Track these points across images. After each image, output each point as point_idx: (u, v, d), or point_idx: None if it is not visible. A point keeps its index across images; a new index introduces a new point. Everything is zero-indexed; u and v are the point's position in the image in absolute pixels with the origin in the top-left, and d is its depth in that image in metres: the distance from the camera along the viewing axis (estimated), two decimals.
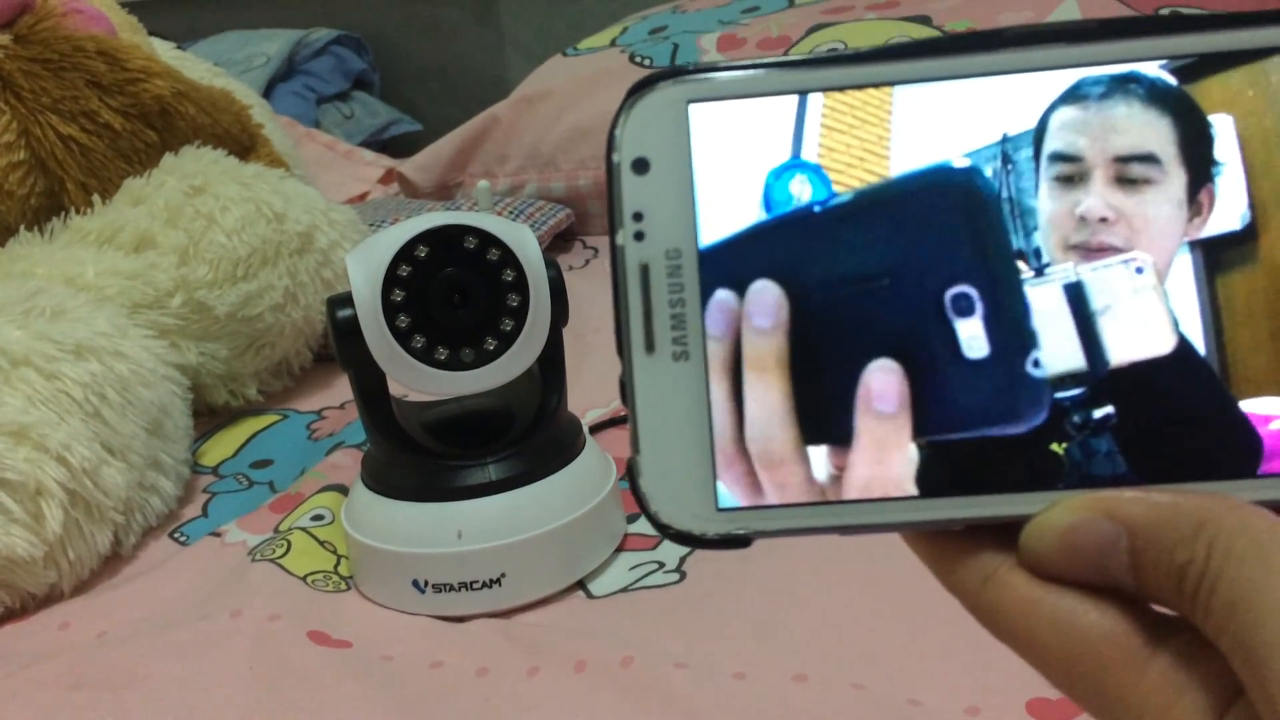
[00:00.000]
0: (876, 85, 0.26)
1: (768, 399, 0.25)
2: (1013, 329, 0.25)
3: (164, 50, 1.02)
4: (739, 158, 0.26)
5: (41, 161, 0.78)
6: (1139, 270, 0.25)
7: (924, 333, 0.25)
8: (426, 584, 0.52)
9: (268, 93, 1.72)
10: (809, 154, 0.26)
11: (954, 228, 0.25)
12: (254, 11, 2.01)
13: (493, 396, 0.57)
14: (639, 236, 0.26)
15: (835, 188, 0.26)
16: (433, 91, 1.97)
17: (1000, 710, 0.41)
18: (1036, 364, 0.25)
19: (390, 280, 0.51)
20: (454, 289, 0.52)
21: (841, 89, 0.26)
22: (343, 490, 0.64)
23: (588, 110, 1.17)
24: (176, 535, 0.64)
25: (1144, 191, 0.24)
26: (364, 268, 0.51)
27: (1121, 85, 0.25)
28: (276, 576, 0.55)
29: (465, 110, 1.30)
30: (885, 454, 0.25)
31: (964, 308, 0.25)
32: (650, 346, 0.26)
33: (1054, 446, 0.25)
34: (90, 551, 0.58)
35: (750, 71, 0.26)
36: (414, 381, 0.52)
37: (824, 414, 0.25)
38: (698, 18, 1.27)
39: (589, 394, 0.75)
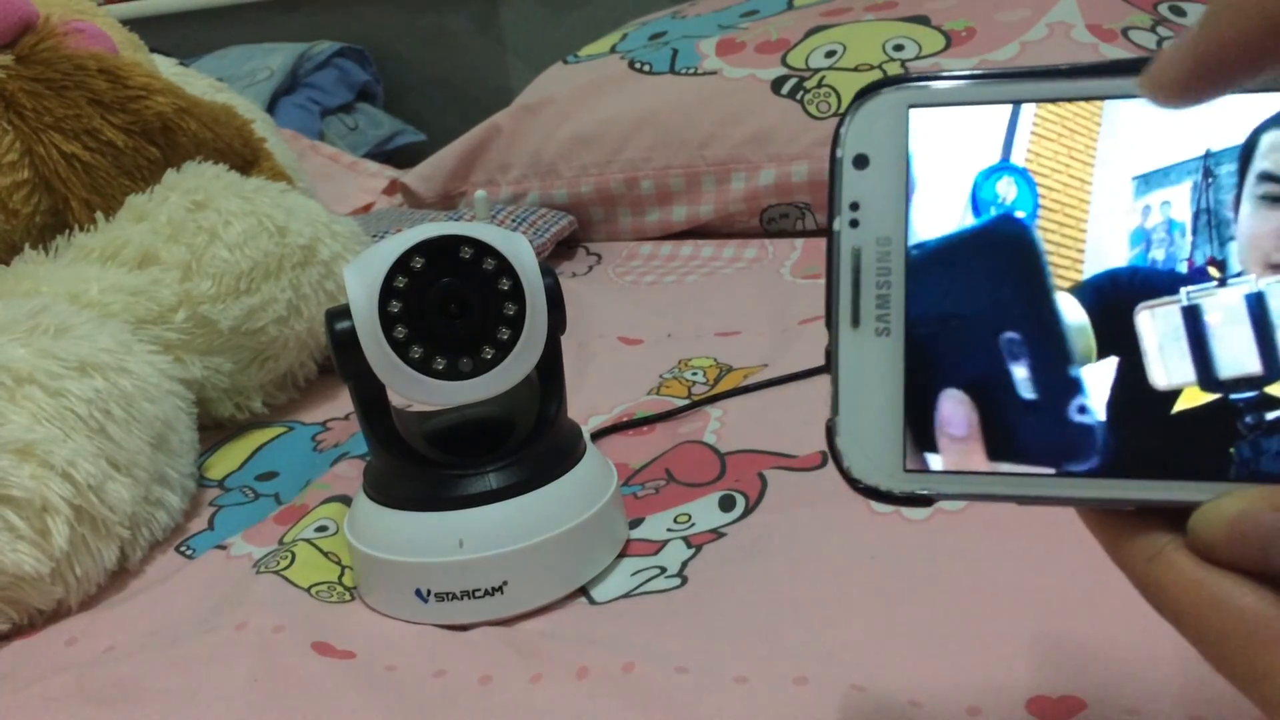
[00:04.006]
0: (1087, 99, 0.27)
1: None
2: (1057, 376, 0.27)
3: (165, 67, 1.02)
4: (952, 159, 0.28)
5: (45, 180, 0.78)
6: None
7: (988, 370, 0.28)
8: (429, 593, 0.52)
9: (272, 106, 1.73)
10: (1018, 159, 0.28)
11: (1007, 276, 0.28)
12: (257, 26, 2.02)
13: (492, 405, 0.58)
14: (854, 224, 0.28)
15: (1040, 192, 0.28)
16: (436, 102, 1.97)
17: (1001, 710, 0.41)
18: (1082, 410, 0.27)
19: (387, 292, 0.51)
20: (450, 299, 0.52)
21: (1054, 100, 0.27)
22: (347, 501, 0.64)
23: (589, 117, 1.17)
24: (182, 549, 0.64)
25: None
26: (361, 280, 0.52)
27: None
28: (281, 588, 0.56)
29: (469, 120, 1.30)
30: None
31: (1015, 352, 0.27)
32: (856, 321, 0.28)
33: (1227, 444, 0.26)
34: (97, 567, 0.58)
35: (969, 81, 0.28)
36: (413, 392, 0.52)
37: (924, 429, 0.28)
38: (696, 23, 1.27)
39: (592, 400, 0.75)
